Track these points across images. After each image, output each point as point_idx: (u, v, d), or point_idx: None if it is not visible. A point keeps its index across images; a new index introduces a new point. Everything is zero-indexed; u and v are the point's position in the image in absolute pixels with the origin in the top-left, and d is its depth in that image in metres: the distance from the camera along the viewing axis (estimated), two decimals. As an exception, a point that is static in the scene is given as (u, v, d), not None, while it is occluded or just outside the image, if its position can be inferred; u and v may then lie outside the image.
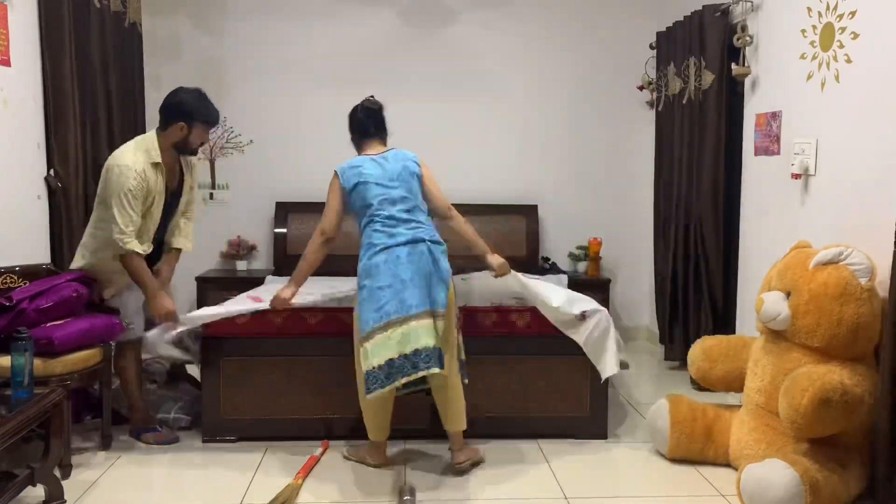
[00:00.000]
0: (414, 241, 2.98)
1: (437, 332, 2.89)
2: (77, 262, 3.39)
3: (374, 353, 2.83)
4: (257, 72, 5.23)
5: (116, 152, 3.28)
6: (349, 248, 5.08)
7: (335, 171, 3.15)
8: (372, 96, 3.26)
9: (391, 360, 2.82)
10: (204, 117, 3.31)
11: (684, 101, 4.61)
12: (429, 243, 3.00)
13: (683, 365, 3.84)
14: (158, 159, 3.27)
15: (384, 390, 2.84)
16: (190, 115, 3.26)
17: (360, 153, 3.23)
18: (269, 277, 4.80)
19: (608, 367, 3.38)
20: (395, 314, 2.86)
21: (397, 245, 2.97)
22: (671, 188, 4.78)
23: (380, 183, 3.07)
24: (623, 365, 3.52)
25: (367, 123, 3.22)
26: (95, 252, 3.34)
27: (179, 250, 3.57)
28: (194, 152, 3.44)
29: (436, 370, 2.84)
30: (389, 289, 2.89)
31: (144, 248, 3.28)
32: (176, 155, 3.39)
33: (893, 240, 2.65)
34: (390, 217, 3.03)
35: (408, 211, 3.07)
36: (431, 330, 2.88)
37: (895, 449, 2.63)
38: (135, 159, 3.20)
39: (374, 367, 2.82)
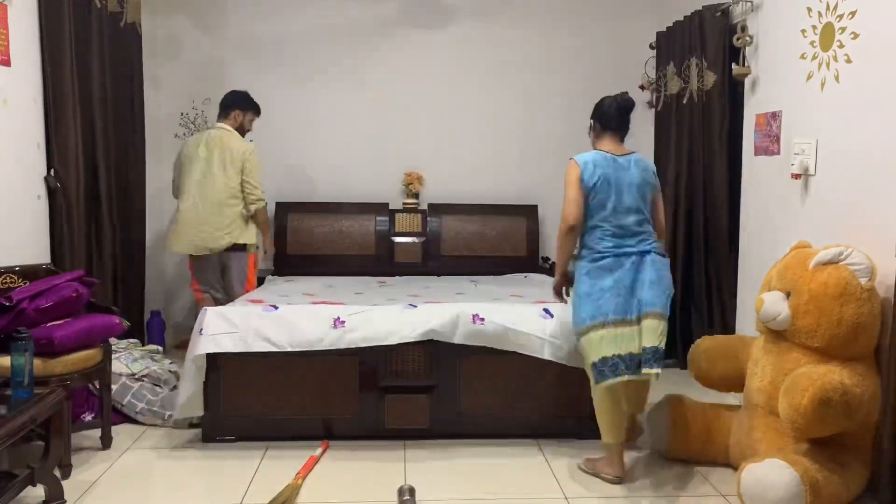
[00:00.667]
0: (640, 253, 3.03)
1: (655, 332, 2.92)
2: (236, 237, 4.23)
3: (592, 348, 2.97)
4: (257, 72, 5.22)
5: (233, 142, 4.23)
6: (349, 247, 5.14)
7: (574, 161, 3.11)
8: (626, 93, 3.23)
9: (605, 357, 2.92)
10: (253, 105, 4.44)
11: (684, 101, 4.61)
12: (654, 255, 3.04)
13: (683, 365, 3.84)
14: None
15: (615, 380, 2.91)
16: (244, 102, 4.40)
17: (595, 142, 3.23)
18: (269, 277, 4.81)
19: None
20: (612, 315, 2.94)
21: (624, 255, 3.02)
22: (670, 188, 4.77)
23: (619, 189, 3.06)
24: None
25: (613, 116, 3.18)
26: (242, 222, 4.26)
27: None
28: (243, 136, 4.41)
29: (656, 370, 2.88)
30: (610, 291, 2.97)
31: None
32: None
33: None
34: (621, 227, 3.06)
35: (639, 223, 3.08)
36: (651, 331, 2.92)
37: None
38: (245, 141, 4.32)
39: (594, 362, 2.96)
